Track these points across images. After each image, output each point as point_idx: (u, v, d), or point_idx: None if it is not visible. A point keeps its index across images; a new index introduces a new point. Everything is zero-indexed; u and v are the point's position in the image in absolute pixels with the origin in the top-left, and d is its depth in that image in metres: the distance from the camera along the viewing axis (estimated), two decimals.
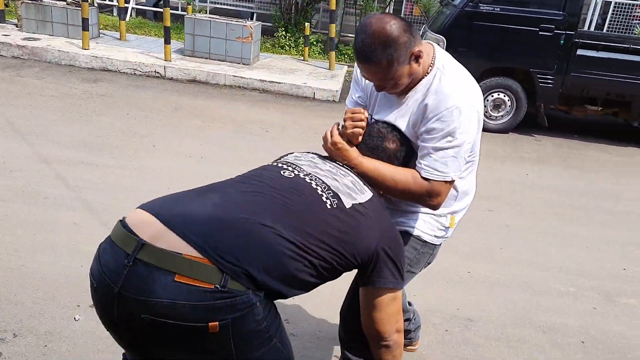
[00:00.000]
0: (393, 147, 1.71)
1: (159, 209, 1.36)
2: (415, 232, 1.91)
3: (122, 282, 1.25)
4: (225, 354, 1.32)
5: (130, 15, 10.04)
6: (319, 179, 1.53)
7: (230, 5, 10.55)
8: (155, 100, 5.99)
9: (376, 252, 1.50)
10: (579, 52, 6.15)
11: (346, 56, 9.18)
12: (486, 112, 6.46)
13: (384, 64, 1.57)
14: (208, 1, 10.51)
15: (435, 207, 1.75)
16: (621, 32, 9.80)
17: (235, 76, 6.95)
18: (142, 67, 6.92)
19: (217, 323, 1.26)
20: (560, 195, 4.78)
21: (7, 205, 3.43)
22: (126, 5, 9.29)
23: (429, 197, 1.68)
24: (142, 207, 1.39)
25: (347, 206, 1.48)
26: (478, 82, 6.21)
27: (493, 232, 3.97)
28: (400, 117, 1.73)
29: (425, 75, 1.69)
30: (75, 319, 2.54)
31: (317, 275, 1.43)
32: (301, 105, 6.65)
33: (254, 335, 1.34)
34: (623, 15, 10.09)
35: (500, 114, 6.48)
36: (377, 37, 1.54)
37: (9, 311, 2.52)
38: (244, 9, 10.61)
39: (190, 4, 8.93)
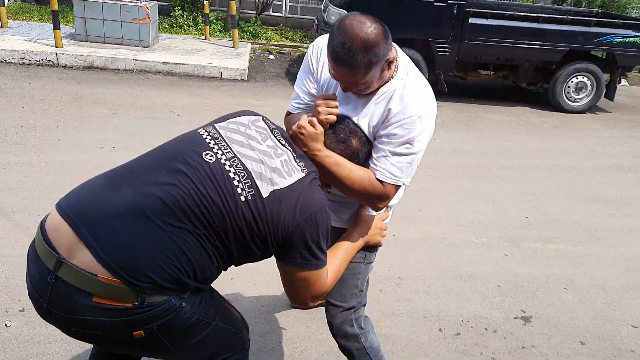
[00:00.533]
0: (358, 146, 1.68)
1: (72, 211, 1.36)
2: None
3: (49, 298, 1.33)
4: (161, 348, 1.43)
5: (9, 0, 9.20)
6: (241, 164, 1.46)
7: None
8: (52, 90, 5.62)
9: (292, 235, 1.46)
10: (471, 20, 6.56)
11: (248, 33, 9.09)
12: None
13: (362, 69, 1.52)
14: None
15: (379, 209, 1.80)
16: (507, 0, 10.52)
17: (136, 60, 6.66)
18: (31, 56, 6.42)
19: (141, 332, 1.36)
20: (465, 156, 5.16)
21: None
22: None
23: (379, 199, 1.68)
24: (58, 206, 1.40)
25: (265, 195, 1.43)
26: None
27: (411, 196, 4.17)
28: (362, 118, 1.70)
29: (390, 80, 1.67)
30: (6, 325, 2.41)
31: (238, 261, 1.52)
32: (209, 85, 6.54)
33: (187, 328, 1.42)
34: None
35: None
36: (358, 41, 1.48)
37: None
38: None
39: None
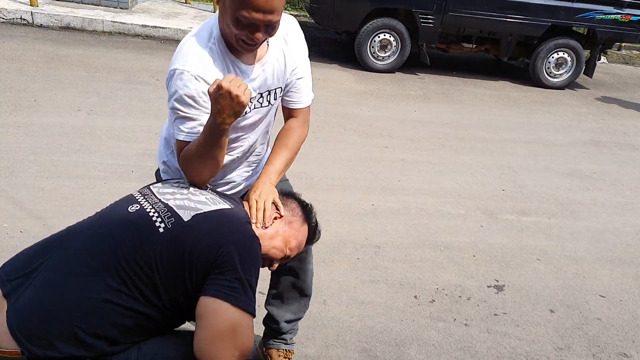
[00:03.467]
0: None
1: (9, 288, 1.38)
2: None
3: None
4: None
5: None
6: (163, 204, 1.48)
7: None
8: (27, 51, 5.46)
9: (220, 256, 1.37)
10: None
11: None
12: (374, 52, 6.71)
13: (279, 7, 1.48)
14: None
15: None
16: None
17: (114, 22, 6.49)
18: (4, 14, 6.21)
19: None
20: (445, 129, 5.20)
21: None
22: None
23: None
24: (2, 280, 1.41)
25: (187, 219, 1.43)
26: (364, 23, 6.36)
27: (390, 166, 4.25)
28: (276, 80, 1.72)
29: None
30: None
31: (172, 312, 1.42)
32: None
33: None
34: None
35: (387, 54, 6.76)
36: None
37: None
38: None
39: None
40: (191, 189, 1.58)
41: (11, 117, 4.00)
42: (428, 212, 3.64)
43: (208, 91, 1.43)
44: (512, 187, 4.18)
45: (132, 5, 7.16)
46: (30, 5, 6.41)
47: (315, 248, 3.02)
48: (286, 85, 1.77)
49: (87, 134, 3.95)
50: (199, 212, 1.46)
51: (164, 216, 1.44)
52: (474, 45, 7.21)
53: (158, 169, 1.97)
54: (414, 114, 5.52)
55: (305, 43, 1.81)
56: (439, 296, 2.85)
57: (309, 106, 1.86)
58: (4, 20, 6.22)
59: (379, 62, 6.78)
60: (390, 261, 3.08)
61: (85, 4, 6.93)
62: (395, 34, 6.65)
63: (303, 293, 2.13)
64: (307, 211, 1.76)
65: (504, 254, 3.29)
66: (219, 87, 1.39)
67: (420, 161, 4.41)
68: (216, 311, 1.35)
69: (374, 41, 6.66)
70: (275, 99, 1.77)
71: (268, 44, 1.66)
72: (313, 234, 1.78)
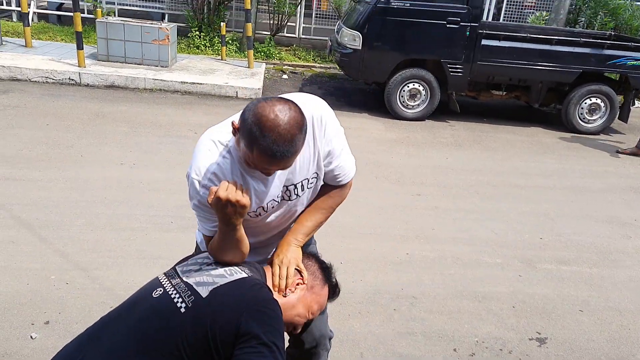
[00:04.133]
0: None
1: None
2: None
3: None
4: None
5: (32, 20, 9.47)
6: (184, 283, 1.54)
7: (139, 6, 10.23)
8: (74, 109, 5.77)
9: (241, 326, 1.42)
10: (483, 42, 6.65)
11: (262, 54, 9.25)
12: (403, 101, 6.83)
13: (300, 149, 1.48)
14: (116, 3, 10.14)
15: None
16: (516, 22, 10.61)
17: (155, 79, 6.82)
18: (54, 75, 6.61)
19: None
20: (478, 175, 5.20)
21: None
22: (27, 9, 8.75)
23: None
24: None
25: (205, 294, 1.49)
26: (393, 74, 6.50)
27: (423, 215, 4.26)
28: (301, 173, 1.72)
29: None
30: (31, 337, 2.49)
31: None
32: (224, 104, 6.67)
33: None
34: (516, 5, 10.94)
35: (417, 102, 6.87)
36: (294, 127, 1.43)
37: None
38: (154, 10, 10.34)
39: (98, 7, 8.59)
40: (212, 264, 1.65)
41: (59, 172, 4.21)
42: (464, 261, 3.61)
43: (208, 202, 1.51)
44: (550, 235, 4.11)
45: (172, 64, 7.52)
46: (78, 66, 6.81)
47: (351, 298, 3.05)
48: (327, 170, 1.76)
49: (129, 186, 4.12)
50: (216, 285, 1.51)
51: (184, 295, 1.49)
52: (504, 93, 7.27)
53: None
54: (445, 161, 5.54)
55: (335, 119, 1.74)
56: (479, 349, 2.79)
57: (352, 178, 1.87)
58: (54, 81, 6.61)
59: (409, 111, 6.88)
60: (427, 312, 3.05)
61: (128, 63, 7.31)
62: (424, 84, 6.77)
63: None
64: (327, 273, 1.80)
65: (545, 305, 3.22)
66: (219, 199, 1.47)
67: (453, 209, 4.41)
68: None
69: (404, 90, 6.79)
70: (303, 189, 1.75)
71: None
72: (333, 293, 1.82)
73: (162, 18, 9.90)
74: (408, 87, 6.78)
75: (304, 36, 10.48)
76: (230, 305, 1.46)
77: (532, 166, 5.66)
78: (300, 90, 7.70)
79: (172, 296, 1.50)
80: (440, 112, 7.07)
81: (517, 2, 10.95)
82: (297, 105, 1.48)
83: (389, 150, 5.67)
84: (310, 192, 1.82)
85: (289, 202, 1.75)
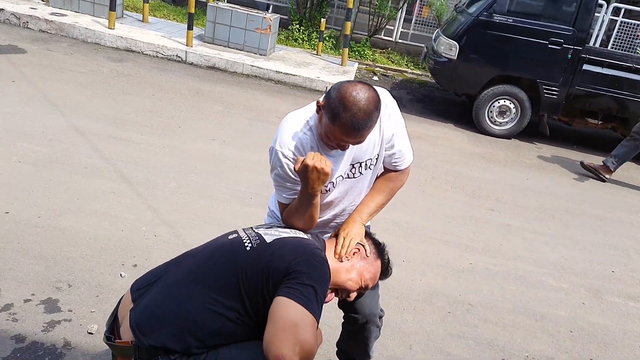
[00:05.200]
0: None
1: (135, 288, 1.77)
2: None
3: None
4: None
5: None
6: (256, 233, 1.80)
7: None
8: (178, 84, 6.25)
9: (290, 269, 1.63)
10: (585, 67, 6.45)
11: (356, 53, 9.44)
12: (492, 117, 6.77)
13: (374, 126, 1.72)
14: None
15: None
16: (625, 51, 10.11)
17: (253, 66, 7.21)
18: (164, 51, 7.17)
19: None
20: (557, 200, 5.10)
21: (49, 172, 3.70)
22: None
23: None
24: (132, 288, 1.79)
25: (269, 240, 1.74)
26: (485, 88, 6.41)
27: (494, 229, 4.27)
28: (367, 152, 1.93)
29: None
30: (121, 275, 2.83)
31: (254, 317, 1.67)
32: (313, 97, 6.90)
33: None
34: (627, 34, 10.40)
35: (505, 120, 6.78)
36: (372, 105, 1.65)
37: (63, 265, 2.80)
38: (260, 0, 10.83)
39: None
40: (283, 227, 1.91)
41: (159, 139, 4.62)
42: (528, 281, 3.61)
43: (295, 169, 1.75)
44: (622, 270, 4.00)
45: (270, 53, 7.89)
46: (186, 45, 7.33)
47: (408, 294, 3.17)
48: (387, 154, 1.97)
49: (218, 160, 4.45)
50: (280, 237, 1.77)
51: (252, 239, 1.76)
52: (600, 122, 6.99)
53: None
54: (525, 181, 5.47)
55: (399, 111, 1.97)
56: None
57: (409, 165, 2.06)
58: (162, 56, 7.17)
59: (496, 127, 6.81)
60: (482, 321, 3.11)
61: (231, 48, 7.76)
62: (516, 102, 6.68)
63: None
64: (380, 248, 2.00)
65: (605, 336, 3.17)
66: (306, 166, 1.71)
67: (526, 229, 4.38)
68: (283, 306, 1.57)
69: (493, 106, 6.73)
70: (367, 169, 1.97)
71: None
72: (386, 269, 2.00)
73: (267, 8, 10.33)
74: (498, 103, 6.72)
75: (400, 40, 10.56)
76: (287, 252, 1.69)
77: (617, 200, 5.46)
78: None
79: (243, 238, 1.77)
80: (528, 132, 6.94)
81: (629, 31, 10.43)
82: (374, 88, 1.71)
83: (469, 163, 5.68)
84: (371, 174, 2.01)
85: (353, 179, 1.95)
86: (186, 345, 1.61)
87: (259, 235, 1.77)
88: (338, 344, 2.34)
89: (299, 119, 1.85)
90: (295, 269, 1.64)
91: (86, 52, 6.73)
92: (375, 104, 1.67)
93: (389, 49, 10.41)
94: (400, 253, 3.63)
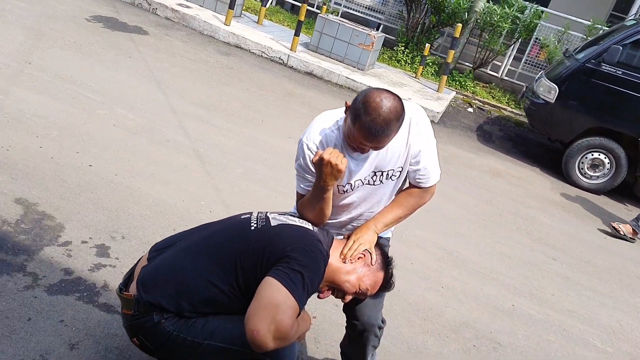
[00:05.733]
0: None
1: (152, 255, 1.93)
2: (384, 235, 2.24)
3: None
4: (166, 357, 1.85)
5: (271, 3, 10.85)
6: (265, 216, 1.91)
7: (361, 12, 11.05)
8: (273, 84, 6.60)
9: (285, 253, 1.75)
10: None
11: (457, 83, 9.37)
12: (582, 169, 6.45)
13: (392, 135, 1.78)
14: (342, 4, 11.10)
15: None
16: None
17: (347, 78, 7.43)
18: (269, 52, 7.60)
19: (135, 339, 1.83)
20: (631, 265, 4.76)
21: (137, 139, 4.11)
22: None
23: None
24: (151, 249, 1.97)
25: (274, 224, 1.86)
26: (580, 137, 6.09)
27: (550, 279, 4.10)
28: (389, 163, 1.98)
29: None
30: None
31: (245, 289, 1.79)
32: None
33: (174, 343, 1.78)
34: None
35: (597, 174, 6.43)
36: (391, 115, 1.72)
37: (123, 219, 3.12)
38: (373, 19, 11.07)
39: (325, 4, 9.53)
40: (295, 216, 2.01)
41: (240, 128, 4.94)
42: (570, 336, 3.44)
43: (312, 161, 1.85)
44: None
45: (368, 69, 8.07)
46: (290, 49, 7.71)
47: (436, 318, 3.15)
48: (412, 169, 2.00)
49: (288, 157, 4.65)
50: (285, 223, 1.88)
51: (259, 221, 1.89)
52: None
53: None
54: (602, 240, 5.16)
55: (431, 131, 2.00)
56: None
57: (434, 184, 2.08)
58: (266, 56, 7.60)
59: (585, 180, 6.47)
60: None
61: (331, 58, 8.05)
62: (612, 157, 6.31)
63: None
64: (386, 261, 2.03)
65: None
66: (321, 159, 1.81)
67: (586, 286, 4.15)
68: (269, 286, 1.69)
69: (586, 157, 6.40)
70: (388, 179, 2.01)
71: None
72: (387, 282, 2.02)
73: (377, 28, 10.56)
74: (592, 155, 6.38)
75: (506, 78, 10.32)
76: (286, 238, 1.81)
77: None
78: (480, 128, 7.71)
79: (252, 219, 1.91)
80: (620, 192, 6.52)
81: None
82: (401, 100, 1.76)
83: (544, 210, 5.46)
84: (393, 186, 2.05)
85: (373, 186, 2.01)
86: (179, 308, 1.77)
87: (267, 219, 1.90)
88: (340, 346, 2.41)
89: (331, 118, 1.96)
90: (289, 254, 1.75)
91: (200, 42, 7.31)
92: (397, 114, 1.74)
93: (493, 84, 10.20)
94: (441, 279, 3.61)
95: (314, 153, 1.90)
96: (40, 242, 2.69)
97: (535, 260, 4.31)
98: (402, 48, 9.62)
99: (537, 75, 7.38)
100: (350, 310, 2.15)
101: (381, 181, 2.01)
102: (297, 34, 7.69)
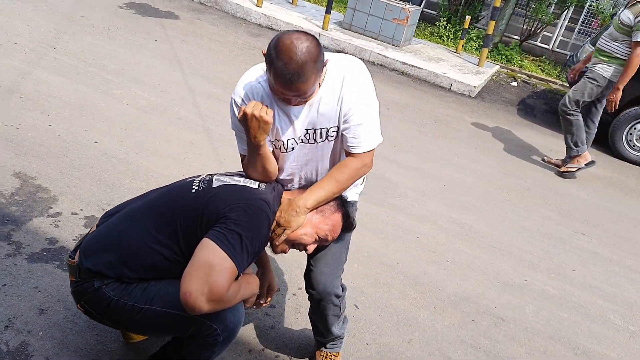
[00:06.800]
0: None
1: (101, 222, 1.94)
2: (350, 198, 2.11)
3: None
4: (109, 322, 1.85)
5: None
6: (209, 177, 1.87)
7: None
8: None
9: (223, 214, 1.69)
10: None
11: (503, 57, 8.92)
12: (630, 140, 5.98)
13: (311, 80, 1.65)
14: None
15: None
16: None
17: (380, 54, 7.24)
18: None
19: (79, 305, 1.82)
20: None
21: (147, 117, 4.19)
22: None
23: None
24: (102, 216, 1.98)
25: (215, 185, 1.80)
26: (628, 107, 5.58)
27: (574, 254, 3.83)
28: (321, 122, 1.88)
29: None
30: None
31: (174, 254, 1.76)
32: (434, 93, 6.74)
33: (115, 308, 1.76)
34: None
35: None
36: (304, 57, 1.60)
37: (118, 193, 3.19)
38: None
39: None
40: (243, 176, 1.94)
41: None
42: (587, 313, 3.20)
43: (238, 118, 1.76)
44: None
45: (403, 45, 7.83)
46: (322, 28, 7.61)
47: (435, 293, 3.02)
48: (344, 129, 1.86)
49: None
50: (226, 183, 1.81)
51: (202, 184, 1.84)
52: None
53: None
54: None
55: (371, 89, 1.87)
56: None
57: (368, 152, 1.90)
58: None
59: (634, 152, 5.99)
60: (507, 338, 2.85)
61: (366, 35, 7.88)
62: None
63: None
64: (340, 202, 1.96)
65: None
66: (245, 114, 1.72)
67: (615, 261, 3.85)
68: (205, 247, 1.64)
69: (635, 128, 5.92)
70: (322, 138, 1.88)
71: (320, 85, 1.78)
72: (347, 221, 1.96)
73: (420, 3, 10.24)
74: None
75: (558, 49, 9.72)
76: (224, 198, 1.75)
77: None
78: (522, 102, 7.31)
79: (193, 183, 1.86)
80: None
81: None
82: (317, 41, 1.66)
83: (582, 184, 5.10)
84: (331, 149, 1.93)
85: (310, 145, 1.91)
86: (120, 274, 1.76)
87: (210, 181, 1.84)
88: (309, 314, 2.33)
89: (258, 70, 1.86)
90: (226, 214, 1.70)
91: (231, 25, 7.35)
92: (312, 56, 1.62)
93: (544, 56, 9.65)
94: (447, 253, 3.46)
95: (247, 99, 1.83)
96: (31, 213, 2.79)
97: (559, 234, 4.04)
98: (444, 23, 9.27)
99: (583, 43, 6.88)
100: (308, 279, 2.09)
101: (315, 140, 1.90)
102: (328, 12, 7.57)
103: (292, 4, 8.75)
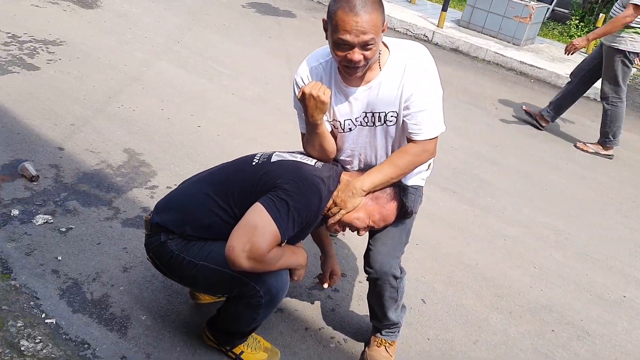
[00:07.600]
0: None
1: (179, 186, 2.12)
2: (410, 183, 2.12)
3: None
4: (171, 275, 2.02)
5: None
6: (271, 153, 1.98)
7: None
8: None
9: (275, 185, 1.79)
10: None
11: None
12: None
13: (374, 17, 1.67)
14: None
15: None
16: None
17: (496, 53, 6.92)
18: (413, 29, 7.46)
19: (149, 256, 2.00)
20: None
21: (249, 106, 4.45)
22: None
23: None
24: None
25: (273, 160, 1.91)
26: None
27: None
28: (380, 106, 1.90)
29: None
30: None
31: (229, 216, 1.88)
32: (551, 94, 6.28)
33: (170, 261, 1.92)
34: None
35: None
36: None
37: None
38: None
39: None
40: (304, 154, 2.04)
41: None
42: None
43: (297, 98, 1.83)
44: None
45: (524, 43, 7.41)
46: (437, 26, 7.47)
47: (514, 298, 2.90)
48: (405, 116, 1.86)
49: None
50: (284, 159, 1.92)
51: (262, 158, 1.97)
52: None
53: None
54: None
55: (435, 77, 1.85)
56: None
57: (430, 139, 1.89)
58: (411, 34, 7.47)
59: None
60: (590, 353, 2.62)
61: (484, 34, 7.58)
62: None
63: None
64: (398, 190, 1.97)
65: None
66: (303, 93, 1.79)
67: None
68: (253, 209, 1.77)
69: None
70: (381, 122, 1.89)
71: (380, 68, 1.80)
72: (402, 209, 1.98)
73: (550, 2, 9.60)
74: None
75: None
76: (280, 171, 1.87)
77: None
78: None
79: (255, 156, 2.01)
80: None
81: None
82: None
83: None
84: (390, 134, 1.94)
85: (366, 127, 1.93)
86: (182, 231, 1.94)
87: (270, 156, 1.97)
88: (367, 297, 2.34)
89: (321, 52, 1.93)
90: (279, 185, 1.81)
91: None
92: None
93: None
94: (535, 259, 3.25)
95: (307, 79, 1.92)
96: (132, 184, 3.12)
97: None
98: (576, 22, 8.61)
99: None
100: (366, 258, 2.12)
101: (374, 123, 1.93)
102: (444, 9, 7.41)
103: (410, 2, 8.68)
